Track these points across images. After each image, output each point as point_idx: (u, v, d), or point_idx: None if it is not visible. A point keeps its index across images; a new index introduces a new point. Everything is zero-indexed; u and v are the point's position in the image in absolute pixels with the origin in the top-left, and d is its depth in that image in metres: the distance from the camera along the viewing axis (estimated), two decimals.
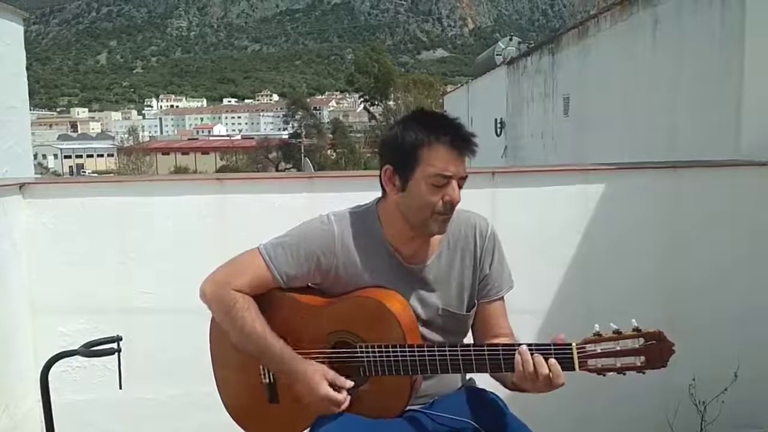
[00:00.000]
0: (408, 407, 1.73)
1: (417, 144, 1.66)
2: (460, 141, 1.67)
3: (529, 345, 1.58)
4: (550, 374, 1.53)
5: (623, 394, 2.72)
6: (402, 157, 1.68)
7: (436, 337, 1.77)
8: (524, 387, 1.59)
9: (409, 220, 1.72)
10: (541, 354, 1.55)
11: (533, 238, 2.83)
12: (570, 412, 2.79)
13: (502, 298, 1.84)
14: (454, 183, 1.67)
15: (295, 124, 54.18)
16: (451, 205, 1.68)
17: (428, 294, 1.78)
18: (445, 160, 1.65)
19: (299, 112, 54.73)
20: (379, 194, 1.80)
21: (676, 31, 4.74)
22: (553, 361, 1.54)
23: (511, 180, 2.98)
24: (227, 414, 1.88)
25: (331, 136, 56.47)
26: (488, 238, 1.81)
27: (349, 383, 1.68)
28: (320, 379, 1.67)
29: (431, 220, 1.69)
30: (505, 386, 1.71)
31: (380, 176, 1.75)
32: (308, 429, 1.75)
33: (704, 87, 4.14)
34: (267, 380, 1.78)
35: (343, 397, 1.67)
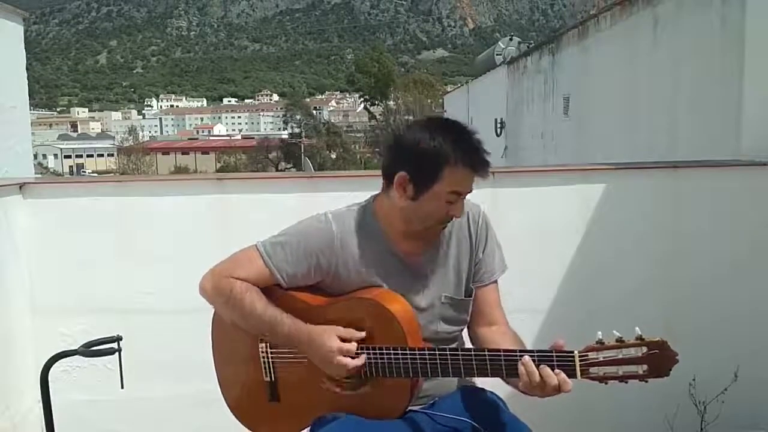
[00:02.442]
0: (408, 408, 1.73)
1: (441, 161, 1.65)
2: (481, 164, 1.68)
3: (531, 353, 1.57)
4: (558, 383, 1.53)
5: (623, 394, 2.71)
6: (422, 169, 1.67)
7: (434, 326, 1.78)
8: (532, 394, 1.58)
9: (410, 224, 1.73)
10: (544, 363, 1.55)
11: (533, 238, 2.82)
12: (569, 412, 2.78)
13: (496, 282, 1.86)
14: (462, 199, 1.71)
15: (294, 125, 54.14)
16: (453, 218, 1.73)
17: (428, 284, 1.78)
18: (465, 181, 1.68)
19: (299, 113, 54.69)
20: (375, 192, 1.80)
21: (676, 31, 4.73)
22: (559, 371, 1.53)
23: (511, 180, 2.98)
24: (227, 413, 1.88)
25: (327, 137, 56.39)
26: (481, 223, 1.85)
27: (360, 334, 1.67)
28: (330, 334, 1.66)
29: (432, 229, 1.74)
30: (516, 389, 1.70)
31: (386, 174, 1.74)
32: (308, 428, 1.75)
33: (704, 87, 4.13)
34: (268, 379, 1.78)
35: (353, 347, 1.66)
